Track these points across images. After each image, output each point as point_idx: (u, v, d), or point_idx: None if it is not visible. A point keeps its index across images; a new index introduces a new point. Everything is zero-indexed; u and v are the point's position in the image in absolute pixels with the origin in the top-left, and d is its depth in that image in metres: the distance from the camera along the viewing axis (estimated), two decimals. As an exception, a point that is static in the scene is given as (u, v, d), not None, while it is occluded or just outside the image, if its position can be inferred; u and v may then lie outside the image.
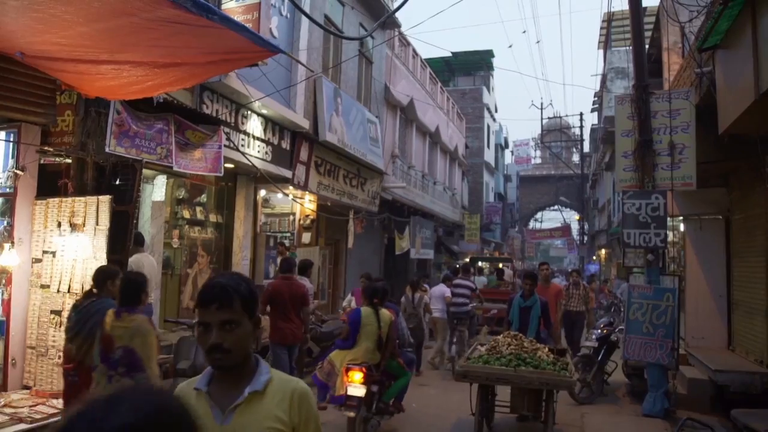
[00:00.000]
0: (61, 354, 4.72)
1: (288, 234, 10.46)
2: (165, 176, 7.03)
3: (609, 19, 19.78)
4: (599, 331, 8.10)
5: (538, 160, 49.62)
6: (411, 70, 16.75)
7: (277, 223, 10.61)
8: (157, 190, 6.99)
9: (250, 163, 7.79)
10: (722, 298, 8.15)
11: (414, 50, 17.49)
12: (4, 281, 4.97)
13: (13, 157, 5.12)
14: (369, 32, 11.45)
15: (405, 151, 16.59)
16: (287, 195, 9.66)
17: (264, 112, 8.53)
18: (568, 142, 41.42)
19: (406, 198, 15.91)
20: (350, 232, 12.20)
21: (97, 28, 3.35)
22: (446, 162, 22.05)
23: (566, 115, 49.17)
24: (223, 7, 7.30)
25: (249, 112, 8.26)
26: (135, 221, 5.27)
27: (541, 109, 33.29)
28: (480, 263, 19.79)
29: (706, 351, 7.67)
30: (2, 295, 5.00)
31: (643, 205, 7.01)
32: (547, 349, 5.79)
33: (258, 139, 8.55)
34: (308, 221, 10.86)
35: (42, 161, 5.26)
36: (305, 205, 10.53)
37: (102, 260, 4.66)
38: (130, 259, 5.41)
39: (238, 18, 6.91)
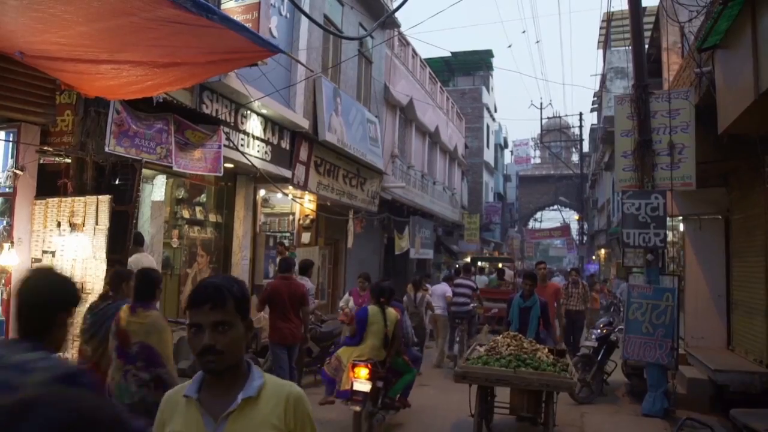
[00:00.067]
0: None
1: (287, 234, 10.46)
2: (164, 176, 7.03)
3: (608, 19, 19.78)
4: (599, 330, 8.10)
5: (538, 160, 49.65)
6: (410, 69, 16.76)
7: (277, 222, 10.60)
8: (156, 189, 6.99)
9: (250, 163, 7.79)
10: (722, 298, 8.16)
11: (413, 50, 17.49)
12: (3, 281, 4.97)
13: (12, 157, 5.12)
14: (368, 32, 11.46)
15: (404, 150, 16.59)
16: (287, 195, 9.66)
17: (264, 111, 8.53)
18: (568, 142, 41.46)
19: (405, 198, 15.91)
20: (350, 231, 12.20)
21: (97, 28, 3.34)
22: (446, 162, 22.06)
23: (566, 115, 49.09)
24: (223, 6, 7.30)
25: (249, 112, 8.26)
26: (134, 221, 5.27)
27: (541, 108, 33.35)
28: (480, 263, 19.81)
29: (706, 351, 7.67)
30: (2, 295, 4.99)
31: (642, 205, 7.01)
32: (546, 349, 5.77)
33: (258, 138, 8.54)
34: (308, 221, 10.86)
35: (41, 161, 5.26)
36: (305, 204, 10.53)
37: (102, 260, 4.66)
38: (130, 259, 5.41)
39: (238, 18, 6.91)
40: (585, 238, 33.47)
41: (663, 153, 7.11)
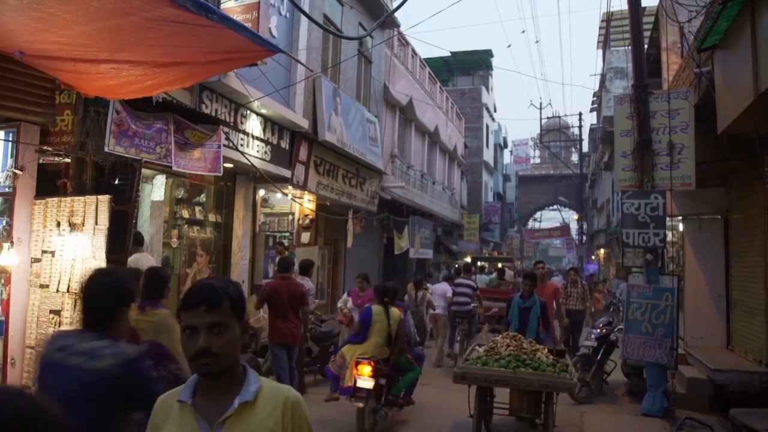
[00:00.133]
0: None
1: (287, 234, 10.45)
2: (164, 176, 7.02)
3: (608, 19, 19.79)
4: (598, 330, 8.10)
5: (537, 160, 49.66)
6: (410, 69, 16.76)
7: (276, 222, 10.60)
8: (156, 189, 6.99)
9: (250, 163, 7.79)
10: (721, 298, 8.16)
11: (413, 50, 17.49)
12: (3, 281, 4.96)
13: (12, 157, 5.11)
14: (368, 32, 11.46)
15: (404, 150, 16.59)
16: (286, 195, 9.65)
17: (263, 111, 8.53)
18: (567, 141, 41.48)
19: (405, 198, 15.91)
20: (349, 231, 12.20)
21: (97, 28, 3.34)
22: (445, 162, 22.06)
23: (565, 115, 49.10)
24: (223, 6, 7.30)
25: (248, 112, 8.25)
26: (134, 221, 5.27)
27: (540, 108, 33.37)
28: (481, 263, 19.83)
29: (705, 350, 7.68)
30: (1, 294, 4.99)
31: (642, 205, 7.02)
32: (546, 350, 5.75)
33: (257, 138, 8.54)
34: (307, 221, 10.86)
35: (41, 161, 5.25)
36: (304, 204, 10.53)
37: (101, 260, 4.66)
38: (130, 259, 5.41)
39: (237, 17, 6.91)
40: (584, 238, 33.48)
41: (662, 153, 7.12)
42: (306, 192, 10.29)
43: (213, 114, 7.29)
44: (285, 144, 9.40)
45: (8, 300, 4.91)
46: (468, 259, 20.12)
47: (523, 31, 46.06)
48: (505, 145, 40.15)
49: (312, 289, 8.19)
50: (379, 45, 13.45)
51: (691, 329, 8.30)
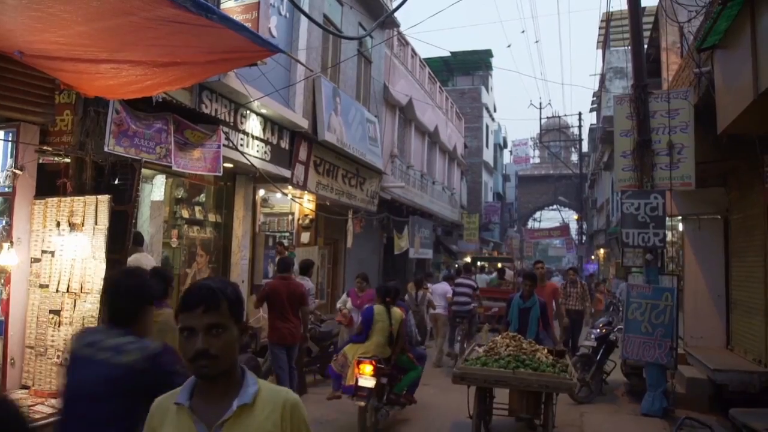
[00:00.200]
0: (60, 354, 4.74)
1: (287, 234, 10.45)
2: (164, 176, 7.02)
3: (608, 18, 19.80)
4: (598, 330, 8.10)
5: (537, 160, 49.69)
6: (410, 69, 16.76)
7: (276, 222, 10.60)
8: (156, 189, 6.99)
9: (249, 163, 7.78)
10: (721, 298, 8.17)
11: (413, 50, 17.49)
12: (2, 281, 4.96)
13: (11, 157, 5.10)
14: (368, 32, 11.46)
15: (404, 150, 16.59)
16: (286, 194, 9.65)
17: (263, 111, 8.53)
18: (567, 141, 41.49)
19: (404, 197, 15.91)
20: (349, 231, 12.20)
21: (96, 27, 3.34)
22: (445, 162, 22.06)
23: (565, 115, 49.17)
24: (222, 6, 7.29)
25: (248, 112, 8.25)
26: (134, 221, 5.26)
27: (540, 108, 33.47)
28: (480, 263, 19.86)
29: (705, 350, 7.68)
30: (1, 294, 4.98)
31: (641, 205, 7.02)
32: (546, 350, 5.73)
33: (257, 138, 8.54)
34: (307, 221, 10.86)
35: (41, 161, 5.25)
36: (304, 204, 10.53)
37: (101, 260, 4.65)
38: (129, 259, 5.40)
39: (237, 17, 6.91)
40: (584, 237, 33.50)
41: (662, 153, 7.12)
42: (306, 192, 10.29)
43: (213, 114, 7.29)
44: (285, 144, 9.40)
45: (8, 300, 4.91)
46: (468, 259, 20.13)
47: (523, 31, 46.18)
48: (505, 145, 40.16)
49: (312, 289, 8.19)
50: (378, 45, 13.45)
51: (690, 329, 8.30)
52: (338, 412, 6.55)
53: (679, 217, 9.00)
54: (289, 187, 9.63)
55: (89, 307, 4.65)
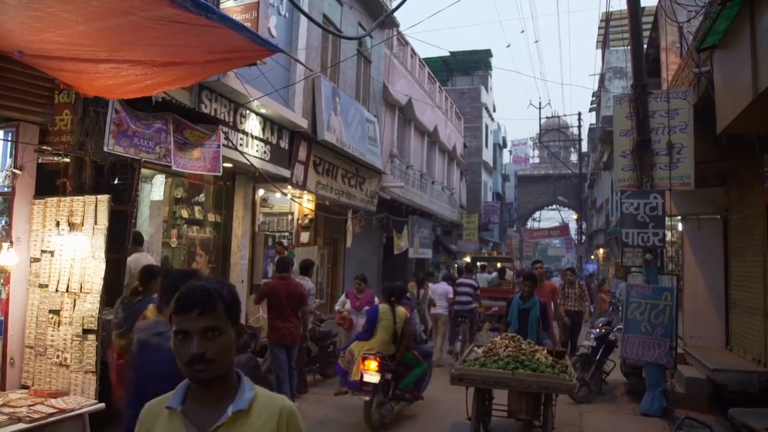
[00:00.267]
0: (60, 353, 4.74)
1: (286, 233, 10.45)
2: (163, 176, 7.02)
3: (607, 18, 19.79)
4: (597, 330, 8.11)
5: (536, 160, 49.70)
6: (409, 69, 16.75)
7: (276, 222, 10.60)
8: (155, 189, 6.98)
9: (249, 163, 7.78)
10: (720, 298, 8.17)
11: (412, 50, 17.49)
12: (2, 280, 4.95)
13: (11, 156, 5.10)
14: (368, 32, 11.45)
15: (403, 150, 16.59)
16: (286, 194, 9.65)
17: (262, 111, 8.52)
18: (567, 141, 41.47)
19: (404, 197, 15.91)
20: (349, 231, 12.20)
21: (96, 27, 3.34)
22: (444, 161, 22.06)
23: (564, 115, 49.23)
24: (222, 6, 7.29)
25: (247, 112, 8.25)
26: (133, 221, 5.26)
27: (540, 108, 33.39)
28: (481, 263, 19.88)
29: (704, 350, 7.68)
30: (1, 294, 4.98)
31: (641, 205, 7.02)
32: (545, 350, 5.70)
33: (256, 138, 8.54)
34: (306, 221, 10.86)
35: (40, 160, 5.24)
36: (304, 204, 10.53)
37: (100, 260, 4.65)
38: (129, 259, 5.41)
39: (237, 17, 6.90)
40: (583, 237, 33.50)
41: (662, 153, 7.12)
42: (305, 192, 10.29)
43: (212, 114, 7.29)
44: (284, 144, 9.39)
45: (7, 300, 4.90)
46: (467, 259, 20.15)
47: (523, 31, 46.19)
48: (505, 145, 40.16)
49: (312, 288, 8.18)
50: (378, 45, 13.45)
51: (690, 329, 8.31)
52: (339, 412, 6.56)
53: (679, 217, 9.00)
54: (289, 186, 9.63)
55: (89, 306, 4.65)
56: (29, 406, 4.23)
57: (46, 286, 4.91)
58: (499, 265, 18.47)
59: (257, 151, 8.53)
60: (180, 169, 6.19)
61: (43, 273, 4.95)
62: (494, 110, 33.93)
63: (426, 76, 19.12)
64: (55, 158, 5.25)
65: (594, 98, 27.87)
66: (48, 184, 5.19)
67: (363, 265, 12.95)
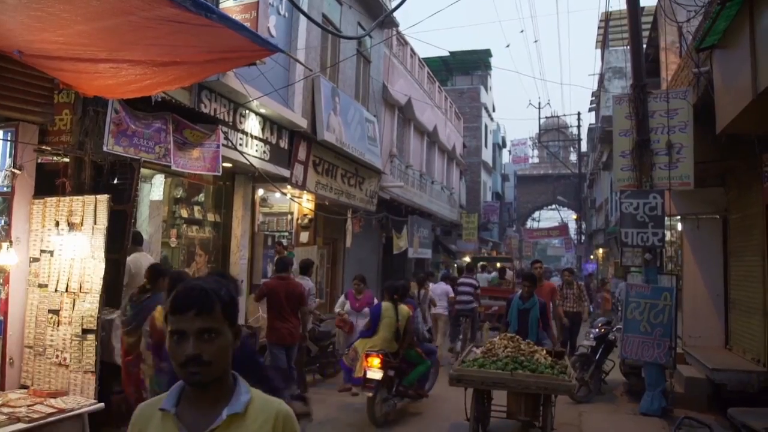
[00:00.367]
0: (59, 353, 4.74)
1: (286, 233, 10.46)
2: (163, 175, 7.02)
3: (607, 18, 19.80)
4: (597, 330, 8.11)
5: (536, 160, 49.72)
6: (409, 69, 16.75)
7: (275, 222, 10.60)
8: (155, 189, 6.98)
9: (248, 163, 7.78)
10: (719, 297, 8.17)
11: (412, 49, 17.49)
12: (1, 280, 4.95)
13: (10, 156, 5.10)
14: (367, 32, 11.45)
15: (403, 150, 16.59)
16: (285, 194, 9.65)
17: (262, 111, 8.52)
18: (566, 141, 41.46)
19: (404, 197, 15.91)
20: (348, 231, 12.20)
21: (96, 27, 3.34)
22: (444, 161, 22.06)
23: (564, 115, 49.29)
24: (221, 6, 7.29)
25: (247, 112, 8.25)
26: (133, 220, 5.26)
27: (539, 108, 33.45)
28: (481, 263, 19.90)
29: (704, 350, 7.69)
30: (0, 294, 4.98)
31: (640, 205, 7.02)
32: (544, 351, 5.67)
33: (256, 138, 8.54)
34: (306, 220, 10.86)
35: (40, 160, 5.24)
36: (303, 204, 10.53)
37: (100, 259, 4.65)
38: (129, 258, 5.41)
39: (236, 17, 6.90)
40: (583, 237, 33.51)
41: (661, 153, 7.13)
42: (305, 191, 10.29)
43: (212, 113, 7.28)
44: (284, 143, 9.39)
45: (7, 299, 4.90)
46: (467, 259, 20.16)
47: (522, 31, 46.20)
48: (504, 145, 40.17)
49: (313, 288, 8.18)
50: (377, 44, 13.44)
51: (689, 328, 8.31)
52: (340, 412, 6.57)
53: (678, 217, 9.00)
54: (288, 186, 9.63)
55: (88, 306, 4.65)
56: (28, 406, 4.23)
57: (46, 285, 4.91)
58: (498, 264, 18.49)
59: (257, 150, 8.53)
60: (179, 169, 6.19)
61: (42, 273, 4.95)
62: (494, 110, 33.94)
63: (425, 76, 19.13)
64: (55, 158, 5.25)
65: (593, 98, 27.86)
66: (47, 184, 5.18)
67: (362, 265, 12.95)
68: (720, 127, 5.82)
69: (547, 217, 48.26)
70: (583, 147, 35.79)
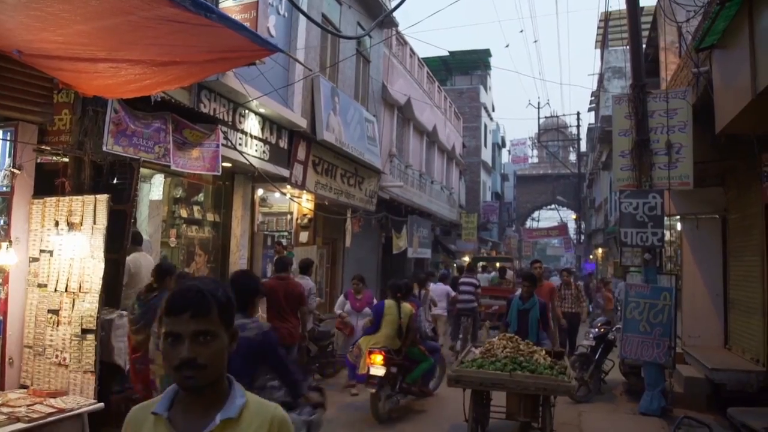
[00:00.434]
0: (58, 353, 4.73)
1: (285, 233, 10.45)
2: (162, 175, 7.02)
3: (606, 18, 19.80)
4: (596, 329, 8.11)
5: (535, 160, 49.73)
6: (408, 69, 16.75)
7: (275, 222, 10.60)
8: (154, 189, 6.99)
9: (248, 162, 7.78)
10: (719, 297, 8.18)
11: (411, 49, 17.49)
12: (1, 280, 4.95)
13: (10, 156, 5.09)
14: (367, 31, 11.45)
15: (402, 150, 16.59)
16: (285, 194, 9.65)
17: (261, 111, 8.52)
18: (565, 141, 41.48)
19: (403, 197, 15.91)
20: (348, 231, 12.19)
21: (95, 27, 3.33)
22: (443, 161, 22.07)
23: (563, 115, 49.32)
24: (221, 5, 7.29)
25: (246, 111, 8.25)
26: (132, 220, 5.26)
27: (538, 108, 33.52)
28: (482, 263, 19.92)
29: (703, 350, 7.69)
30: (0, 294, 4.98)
31: (640, 205, 7.03)
32: (544, 351, 5.62)
33: (255, 138, 8.53)
34: (306, 220, 10.86)
35: (39, 160, 5.24)
36: (303, 204, 10.52)
37: (99, 259, 4.65)
38: (128, 258, 5.41)
39: (236, 17, 6.89)
40: (582, 237, 33.52)
41: (660, 152, 7.13)
42: (304, 191, 10.29)
43: (211, 113, 7.28)
44: (283, 143, 9.39)
45: (6, 299, 4.90)
46: (466, 259, 20.16)
47: (522, 31, 46.15)
48: (504, 145, 40.18)
49: (313, 288, 8.17)
50: (377, 44, 13.44)
51: (688, 328, 8.31)
52: (341, 411, 6.57)
53: (677, 217, 9.01)
54: (288, 186, 9.63)
55: (88, 306, 4.64)
56: (28, 405, 4.23)
57: (45, 285, 4.91)
58: (498, 264, 18.51)
59: (256, 150, 8.52)
60: (179, 169, 6.19)
61: (42, 273, 4.95)
62: (493, 110, 33.95)
63: (425, 76, 19.13)
64: (54, 158, 5.24)
65: (593, 98, 27.86)
66: (47, 184, 5.18)
67: (362, 265, 12.95)
68: (719, 127, 5.82)
69: (547, 217, 48.32)
70: (583, 147, 35.81)
